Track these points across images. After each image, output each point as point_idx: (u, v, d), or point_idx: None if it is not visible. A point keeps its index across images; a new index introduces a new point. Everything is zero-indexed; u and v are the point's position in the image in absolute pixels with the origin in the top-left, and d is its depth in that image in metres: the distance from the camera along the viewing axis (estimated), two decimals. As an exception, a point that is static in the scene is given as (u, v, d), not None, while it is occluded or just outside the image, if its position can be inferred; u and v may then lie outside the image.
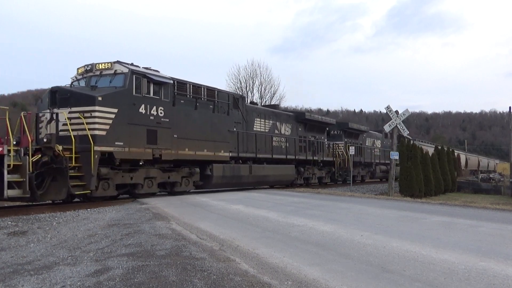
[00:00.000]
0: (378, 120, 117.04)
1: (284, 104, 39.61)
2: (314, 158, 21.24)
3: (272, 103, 38.59)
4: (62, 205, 10.71)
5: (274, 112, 19.53)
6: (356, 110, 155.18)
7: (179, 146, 12.93)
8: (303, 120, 21.17)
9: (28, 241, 6.44)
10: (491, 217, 8.18)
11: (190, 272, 4.20)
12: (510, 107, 33.20)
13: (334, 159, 23.32)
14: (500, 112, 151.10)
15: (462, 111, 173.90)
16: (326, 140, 23.35)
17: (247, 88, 39.42)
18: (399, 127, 18.92)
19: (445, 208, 9.98)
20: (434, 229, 6.69)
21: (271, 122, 18.56)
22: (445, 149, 29.16)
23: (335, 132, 25.15)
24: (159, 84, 12.48)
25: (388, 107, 19.09)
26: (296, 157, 19.63)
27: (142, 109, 11.82)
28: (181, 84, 13.55)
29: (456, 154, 36.07)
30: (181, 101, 13.41)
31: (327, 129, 24.20)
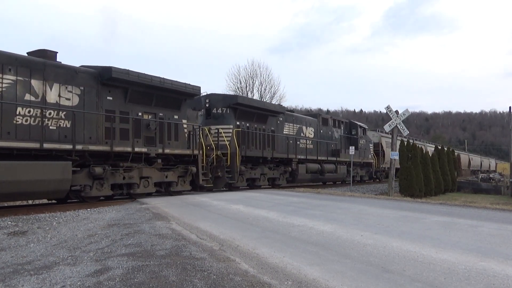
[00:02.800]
0: (378, 120, 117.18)
1: (284, 104, 39.64)
2: (138, 150, 11.81)
3: (273, 103, 38.57)
4: (62, 205, 10.71)
5: (21, 59, 9.84)
6: (356, 110, 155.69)
7: None
8: (116, 82, 11.49)
9: (28, 241, 6.44)
10: (491, 217, 8.18)
11: (190, 272, 4.20)
12: (510, 107, 33.19)
13: (200, 152, 14.12)
14: (500, 112, 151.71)
15: (462, 111, 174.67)
16: (185, 121, 14.11)
17: (247, 88, 39.46)
18: (399, 127, 18.93)
19: (445, 208, 9.98)
20: (434, 229, 6.69)
21: (11, 79, 9.53)
22: (445, 149, 29.12)
23: (220, 111, 16.08)
24: None
25: (388, 107, 19.10)
26: (79, 147, 10.46)
27: None
28: None
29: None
30: None
31: (207, 105, 16.11)
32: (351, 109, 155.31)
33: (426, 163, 22.59)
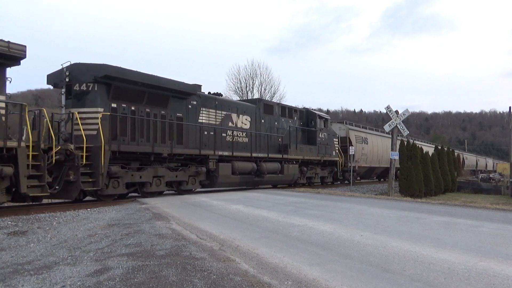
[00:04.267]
0: (378, 120, 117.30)
1: (284, 103, 39.62)
2: None
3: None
4: (62, 205, 10.71)
5: None
6: (356, 110, 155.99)
7: None
8: None
9: (28, 241, 6.44)
10: (491, 217, 8.18)
11: (190, 272, 4.20)
12: (510, 107, 33.24)
13: (23, 145, 9.38)
14: (500, 112, 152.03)
15: (462, 111, 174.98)
16: (2, 97, 9.36)
17: (247, 88, 39.47)
18: (399, 127, 18.94)
19: (445, 208, 9.98)
20: (434, 229, 6.69)
21: None
22: (445, 149, 29.08)
23: (84, 88, 11.41)
24: None
25: (388, 107, 19.11)
26: None
27: None
28: None
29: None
30: None
31: (67, 80, 11.36)
32: (351, 109, 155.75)
33: (426, 163, 22.58)
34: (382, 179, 32.67)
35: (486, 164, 68.03)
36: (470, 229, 6.71)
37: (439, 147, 28.45)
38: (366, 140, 27.49)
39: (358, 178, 28.27)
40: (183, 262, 4.59)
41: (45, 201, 11.94)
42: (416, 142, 29.17)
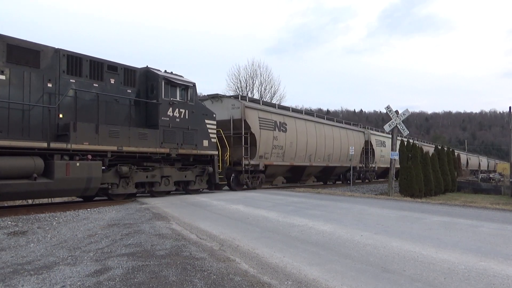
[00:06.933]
0: (378, 120, 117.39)
1: (284, 104, 39.58)
2: None
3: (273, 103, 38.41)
4: (62, 205, 10.71)
5: None
6: (356, 110, 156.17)
7: None
8: None
9: (28, 241, 6.43)
10: (491, 217, 8.18)
11: (190, 272, 4.20)
12: (510, 107, 33.26)
13: None
14: (500, 112, 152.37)
15: (462, 111, 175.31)
16: None
17: (247, 88, 39.50)
18: (399, 127, 18.95)
19: (445, 208, 9.98)
20: (434, 229, 6.69)
21: None
22: (445, 149, 29.09)
23: None
24: None
25: (388, 107, 19.12)
26: None
27: None
28: None
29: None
30: None
31: None
32: (351, 109, 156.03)
33: (426, 163, 22.59)
34: (330, 182, 25.41)
35: (480, 164, 67.25)
36: (470, 229, 6.70)
37: (439, 147, 28.46)
38: (284, 126, 18.49)
39: (284, 181, 20.61)
40: (183, 262, 4.59)
41: (45, 201, 11.99)
42: (416, 142, 28.97)
